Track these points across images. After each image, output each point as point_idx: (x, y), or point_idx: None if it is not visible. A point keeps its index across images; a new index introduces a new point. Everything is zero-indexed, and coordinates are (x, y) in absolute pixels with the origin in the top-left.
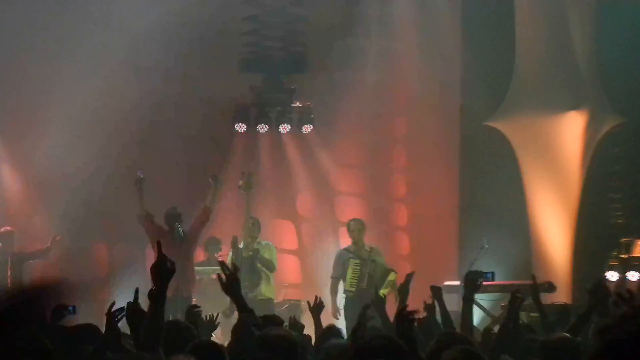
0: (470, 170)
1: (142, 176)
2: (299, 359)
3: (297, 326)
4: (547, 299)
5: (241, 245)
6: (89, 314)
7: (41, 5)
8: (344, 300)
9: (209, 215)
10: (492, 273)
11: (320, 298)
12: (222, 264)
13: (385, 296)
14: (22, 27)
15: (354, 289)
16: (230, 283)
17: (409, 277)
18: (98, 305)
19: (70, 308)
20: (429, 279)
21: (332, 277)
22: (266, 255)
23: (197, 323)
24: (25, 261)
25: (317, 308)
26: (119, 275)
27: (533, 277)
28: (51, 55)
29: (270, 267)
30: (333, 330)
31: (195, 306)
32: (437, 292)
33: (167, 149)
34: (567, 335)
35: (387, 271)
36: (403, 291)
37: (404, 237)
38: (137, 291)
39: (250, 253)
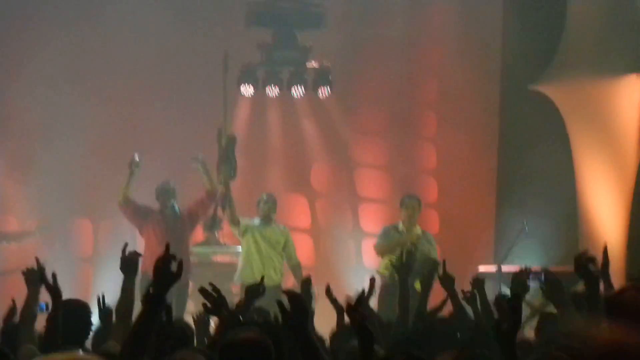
0: (511, 141)
1: (137, 160)
2: None
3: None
4: None
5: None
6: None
7: None
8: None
9: (213, 197)
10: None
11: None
12: (202, 291)
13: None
14: None
15: (386, 274)
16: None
17: (435, 265)
18: (81, 289)
19: (42, 305)
20: (461, 264)
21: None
22: (289, 248)
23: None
24: None
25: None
26: (105, 257)
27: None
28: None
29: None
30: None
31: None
32: (479, 284)
33: (162, 115)
34: None
35: (430, 263)
36: (425, 283)
37: (433, 215)
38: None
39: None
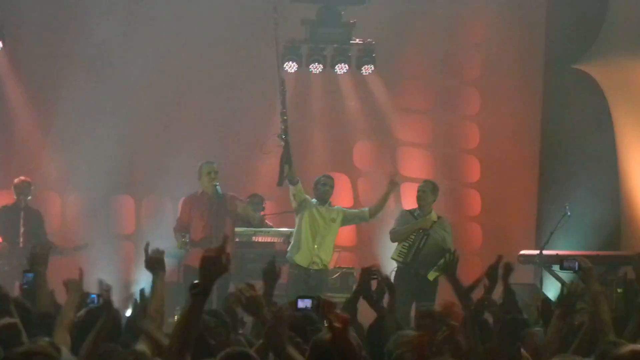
0: (554, 120)
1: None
2: None
3: (355, 326)
4: None
5: None
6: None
7: None
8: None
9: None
10: None
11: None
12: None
13: (435, 279)
14: None
15: (400, 260)
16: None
17: (499, 259)
18: (122, 265)
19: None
20: (501, 246)
21: (390, 232)
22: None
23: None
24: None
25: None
26: (147, 233)
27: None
28: None
29: None
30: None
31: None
32: (507, 269)
33: (203, 93)
34: None
35: (442, 251)
36: (490, 277)
37: (475, 195)
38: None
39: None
